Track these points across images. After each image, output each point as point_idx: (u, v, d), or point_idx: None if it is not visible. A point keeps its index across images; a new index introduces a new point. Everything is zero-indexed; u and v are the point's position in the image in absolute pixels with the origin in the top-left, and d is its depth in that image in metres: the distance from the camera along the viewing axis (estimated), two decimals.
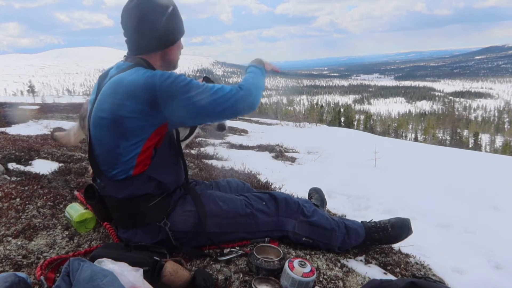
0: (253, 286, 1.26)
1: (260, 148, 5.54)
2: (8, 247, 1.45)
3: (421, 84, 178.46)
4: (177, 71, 1.49)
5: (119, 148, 1.32)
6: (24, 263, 1.36)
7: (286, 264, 1.30)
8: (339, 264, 1.56)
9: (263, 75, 1.57)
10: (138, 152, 1.32)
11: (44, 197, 1.99)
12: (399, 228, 1.70)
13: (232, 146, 5.70)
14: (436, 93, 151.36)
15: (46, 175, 2.46)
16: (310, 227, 1.59)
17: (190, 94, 1.28)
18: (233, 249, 1.49)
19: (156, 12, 1.33)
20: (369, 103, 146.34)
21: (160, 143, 1.38)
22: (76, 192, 2.06)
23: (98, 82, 1.43)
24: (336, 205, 2.69)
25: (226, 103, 1.32)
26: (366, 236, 1.69)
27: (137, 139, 1.31)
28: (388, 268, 1.66)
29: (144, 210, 1.39)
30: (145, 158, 1.35)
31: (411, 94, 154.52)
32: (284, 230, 1.58)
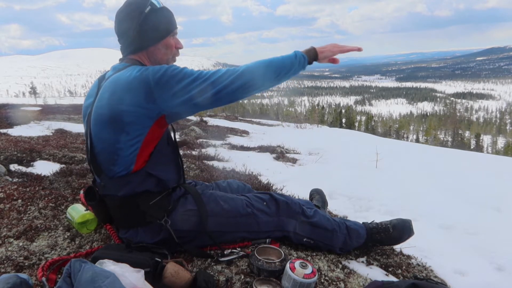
0: (254, 287, 1.26)
1: (261, 149, 5.53)
2: (9, 248, 1.46)
3: (423, 85, 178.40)
4: None
5: (119, 143, 1.32)
6: (26, 264, 1.36)
7: (287, 265, 1.30)
8: (340, 266, 1.55)
9: (295, 67, 1.35)
10: (139, 147, 1.33)
11: (46, 198, 1.99)
12: (401, 229, 1.70)
13: (233, 147, 5.69)
14: (438, 94, 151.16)
15: (47, 176, 2.46)
16: (311, 228, 1.59)
17: (183, 83, 1.28)
18: (234, 250, 1.49)
19: (134, 12, 1.39)
20: (371, 104, 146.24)
21: (160, 137, 1.39)
22: (81, 192, 2.06)
23: (97, 84, 1.45)
24: (337, 206, 2.69)
25: (220, 88, 1.28)
26: (367, 237, 1.68)
27: (137, 133, 1.31)
28: (390, 269, 1.65)
29: (145, 209, 1.39)
30: (146, 153, 1.35)
31: (413, 95, 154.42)
32: (285, 230, 1.57)
